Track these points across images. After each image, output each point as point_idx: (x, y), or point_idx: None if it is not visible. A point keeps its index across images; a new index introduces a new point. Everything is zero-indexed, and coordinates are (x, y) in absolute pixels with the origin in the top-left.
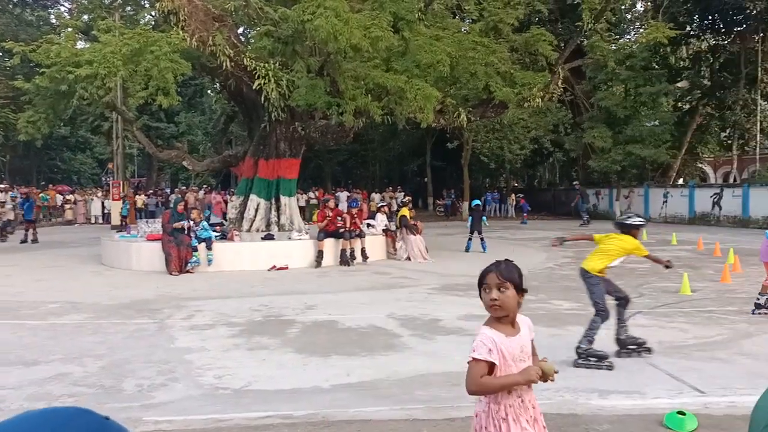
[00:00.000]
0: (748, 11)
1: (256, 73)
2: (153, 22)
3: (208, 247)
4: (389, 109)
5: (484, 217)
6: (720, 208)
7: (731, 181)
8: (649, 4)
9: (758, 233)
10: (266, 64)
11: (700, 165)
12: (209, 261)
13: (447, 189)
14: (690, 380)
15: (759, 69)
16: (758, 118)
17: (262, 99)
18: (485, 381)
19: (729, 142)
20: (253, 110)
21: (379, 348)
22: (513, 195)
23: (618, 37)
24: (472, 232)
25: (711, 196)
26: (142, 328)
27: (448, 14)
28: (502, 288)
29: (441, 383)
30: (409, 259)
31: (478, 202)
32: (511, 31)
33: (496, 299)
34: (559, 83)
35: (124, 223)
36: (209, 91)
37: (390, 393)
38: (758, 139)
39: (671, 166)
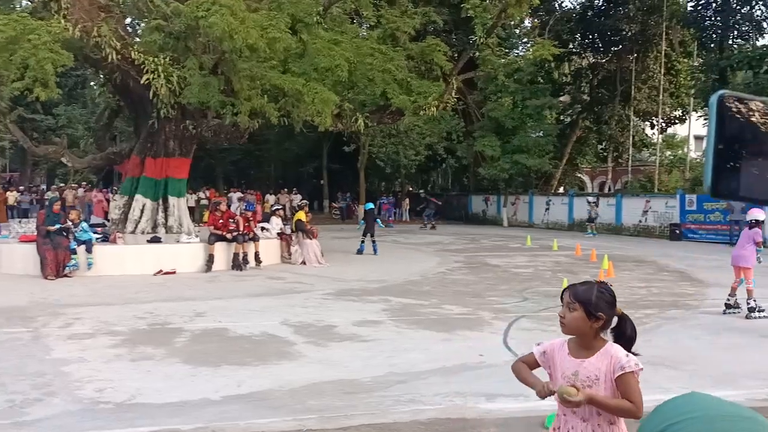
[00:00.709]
0: (624, 33)
1: (144, 67)
2: (31, 9)
3: (88, 250)
4: (286, 111)
5: (378, 220)
6: (597, 215)
7: (606, 190)
8: (536, 21)
9: (629, 240)
10: (156, 59)
11: (578, 175)
12: (89, 265)
13: (343, 192)
14: None
15: (632, 87)
16: (631, 132)
17: (151, 95)
18: (518, 364)
19: (605, 154)
20: (141, 106)
21: (271, 356)
22: (407, 200)
23: (507, 51)
24: (364, 235)
25: (587, 204)
26: (14, 338)
27: (346, 19)
28: (571, 307)
29: (334, 392)
30: (304, 263)
31: (371, 205)
32: (408, 40)
33: (561, 316)
34: (453, 93)
35: None
36: (92, 84)
37: (282, 403)
38: (630, 152)
39: (553, 175)
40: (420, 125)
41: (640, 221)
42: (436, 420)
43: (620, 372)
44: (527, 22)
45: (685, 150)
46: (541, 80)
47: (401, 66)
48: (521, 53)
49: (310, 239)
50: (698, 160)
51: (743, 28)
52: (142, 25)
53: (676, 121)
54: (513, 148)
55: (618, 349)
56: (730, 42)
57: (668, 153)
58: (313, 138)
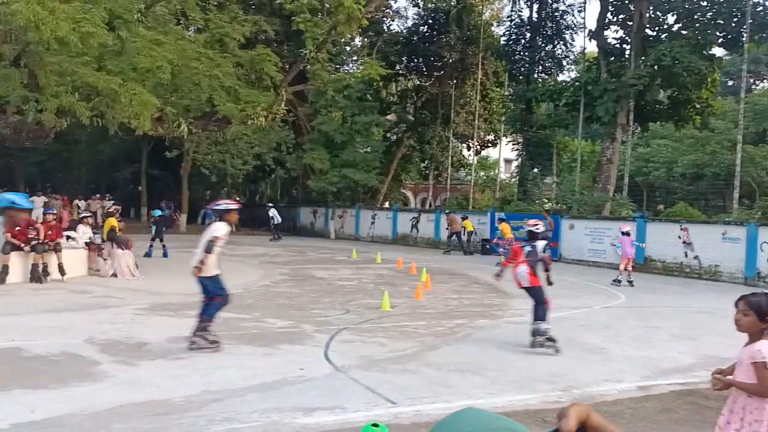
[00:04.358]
0: (446, 60)
1: None
2: None
3: None
4: (100, 112)
5: (165, 227)
6: (417, 231)
7: (427, 206)
8: (366, 41)
9: (447, 255)
10: None
11: (403, 191)
12: None
13: (165, 200)
14: (384, 392)
15: (452, 111)
16: (450, 153)
17: None
18: None
19: (427, 172)
20: None
21: (72, 378)
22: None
23: (338, 67)
24: (153, 240)
25: (410, 219)
26: None
27: (171, 20)
28: (746, 313)
29: (143, 414)
30: (115, 275)
31: (160, 212)
32: (237, 47)
33: (737, 320)
34: (283, 104)
35: None
36: None
37: (82, 429)
38: (449, 171)
39: (379, 190)
40: (248, 134)
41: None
42: None
43: (749, 360)
44: (357, 41)
45: (497, 171)
46: (370, 98)
47: (229, 73)
48: (351, 70)
49: (123, 250)
50: (507, 181)
51: (547, 64)
52: None
53: (489, 144)
54: (341, 162)
55: (763, 344)
56: (536, 75)
57: (482, 173)
58: (130, 141)
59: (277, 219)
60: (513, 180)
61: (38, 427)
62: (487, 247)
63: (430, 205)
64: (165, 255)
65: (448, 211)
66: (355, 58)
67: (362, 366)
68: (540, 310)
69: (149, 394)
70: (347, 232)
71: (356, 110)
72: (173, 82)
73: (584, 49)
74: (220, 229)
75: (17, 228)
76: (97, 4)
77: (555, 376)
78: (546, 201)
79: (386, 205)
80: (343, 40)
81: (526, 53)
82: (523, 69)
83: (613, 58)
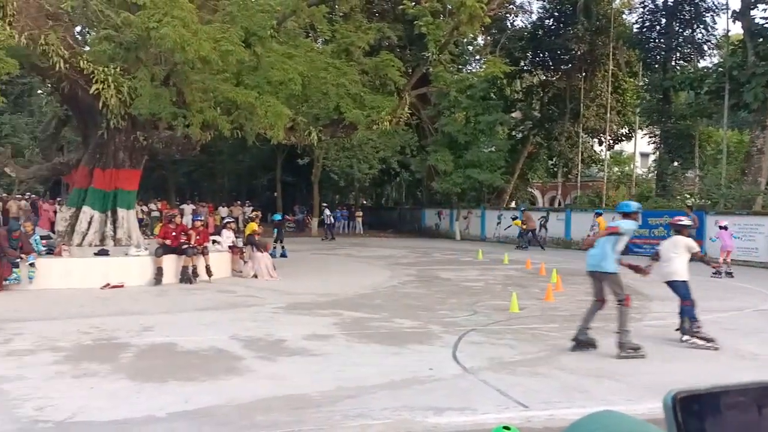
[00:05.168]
0: (573, 52)
1: (93, 77)
2: None
3: (30, 263)
4: (239, 124)
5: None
6: (546, 231)
7: (556, 205)
8: (488, 39)
9: (578, 254)
10: (105, 69)
11: (530, 189)
12: (30, 278)
13: (298, 205)
14: (515, 395)
15: (581, 105)
16: (580, 149)
17: (100, 105)
18: None
19: (555, 169)
20: (89, 116)
21: (220, 372)
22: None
23: (460, 67)
24: (275, 242)
25: (538, 219)
26: None
27: (301, 33)
28: None
29: (282, 407)
30: (255, 276)
31: (279, 216)
32: (362, 55)
33: None
34: (406, 108)
35: None
36: (39, 92)
37: (229, 420)
38: (579, 168)
39: (505, 189)
40: (374, 139)
41: (589, 235)
42: None
43: None
44: (480, 40)
45: (632, 166)
46: (494, 96)
47: (355, 80)
48: (474, 70)
49: (261, 252)
50: (643, 177)
51: (685, 50)
52: (92, 34)
53: (623, 138)
54: (466, 162)
55: None
56: (673, 63)
57: (616, 169)
58: (266, 150)
59: (330, 220)
60: (650, 175)
61: (191, 417)
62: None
63: (560, 204)
64: (284, 255)
65: (523, 209)
66: (477, 57)
67: (491, 368)
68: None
69: (287, 388)
70: (472, 233)
71: (480, 110)
72: (304, 92)
73: (728, 31)
74: (682, 241)
75: (172, 234)
76: (235, 23)
77: (701, 383)
78: (688, 196)
79: (512, 204)
80: (465, 39)
81: (662, 40)
82: (658, 57)
83: (761, 40)
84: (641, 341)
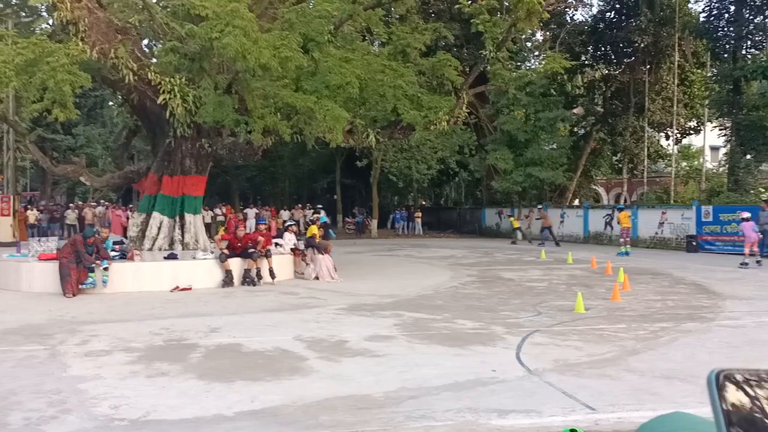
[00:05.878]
0: (636, 45)
1: (161, 87)
2: (50, 32)
3: (105, 268)
4: (298, 129)
5: (331, 231)
6: (612, 228)
7: (622, 202)
8: (548, 34)
9: (646, 252)
10: (172, 79)
11: (594, 187)
12: (104, 282)
13: (358, 207)
14: (582, 397)
15: (646, 98)
16: (645, 144)
17: (167, 114)
18: None
19: (620, 165)
20: (158, 125)
21: (284, 372)
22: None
23: (519, 64)
24: None
25: (603, 217)
26: (32, 356)
27: (357, 37)
28: None
29: (346, 407)
30: (317, 278)
31: (325, 219)
32: (418, 56)
33: None
34: (464, 107)
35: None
36: (111, 104)
37: (294, 419)
38: (645, 163)
39: (568, 187)
40: (431, 139)
41: (656, 233)
42: None
43: None
44: (538, 35)
45: (701, 161)
46: (554, 93)
47: (412, 81)
48: (533, 66)
49: (323, 254)
50: (714, 171)
51: (757, 38)
52: (158, 46)
53: (691, 131)
54: (526, 160)
55: None
56: (744, 52)
57: (684, 164)
58: (326, 153)
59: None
60: (721, 169)
61: (257, 416)
62: (693, 244)
63: (625, 201)
64: None
65: (540, 206)
66: (537, 53)
67: (557, 369)
68: None
69: (350, 388)
70: (534, 232)
71: (540, 106)
72: (361, 95)
73: None
74: None
75: (238, 245)
76: (293, 30)
77: None
78: (762, 190)
79: (576, 202)
80: (523, 36)
81: (731, 28)
82: (728, 46)
83: None
84: (716, 343)
